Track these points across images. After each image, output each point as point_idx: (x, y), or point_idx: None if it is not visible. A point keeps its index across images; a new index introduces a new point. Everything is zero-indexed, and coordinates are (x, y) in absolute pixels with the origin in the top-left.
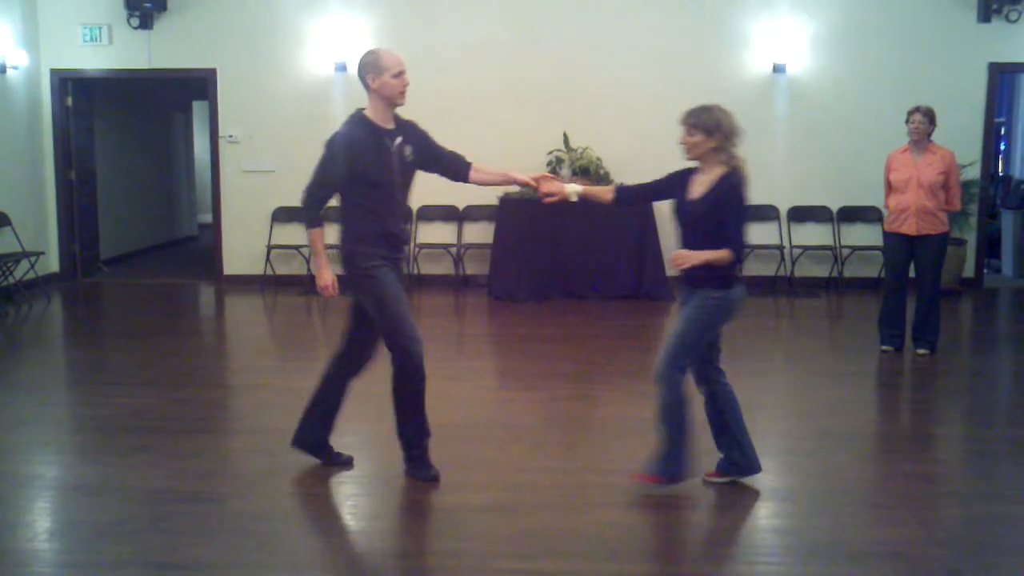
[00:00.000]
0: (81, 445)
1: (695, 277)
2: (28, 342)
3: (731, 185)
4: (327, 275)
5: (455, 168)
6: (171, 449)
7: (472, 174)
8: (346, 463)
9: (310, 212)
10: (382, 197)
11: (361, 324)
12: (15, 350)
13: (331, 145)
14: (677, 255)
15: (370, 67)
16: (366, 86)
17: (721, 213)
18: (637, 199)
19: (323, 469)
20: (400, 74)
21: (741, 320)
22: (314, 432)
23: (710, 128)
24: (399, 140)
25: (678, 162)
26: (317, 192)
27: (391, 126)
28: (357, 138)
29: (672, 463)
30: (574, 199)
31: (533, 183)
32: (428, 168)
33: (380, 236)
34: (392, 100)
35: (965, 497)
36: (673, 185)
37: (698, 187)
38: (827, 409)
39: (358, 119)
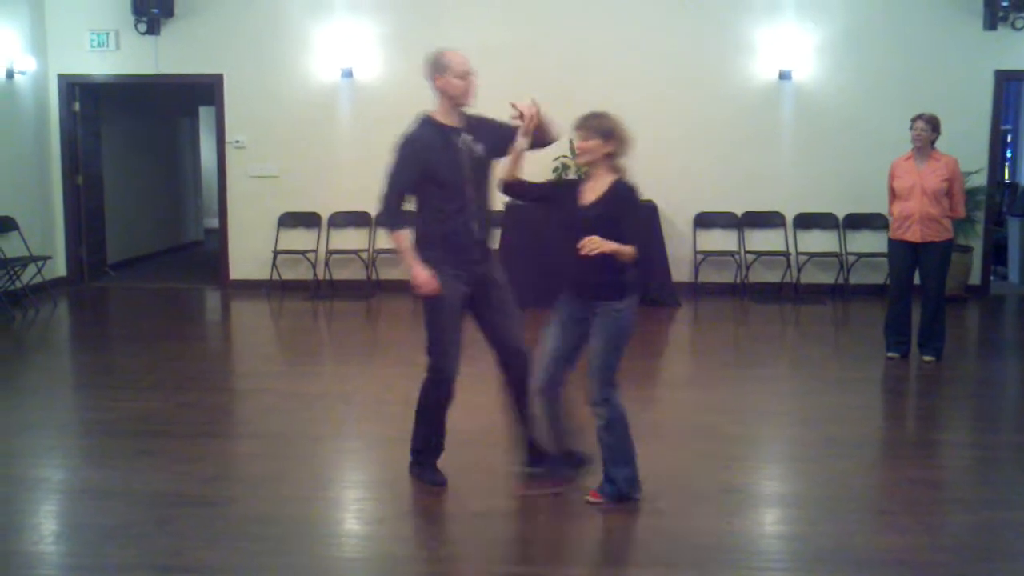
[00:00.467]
0: (87, 449)
1: (594, 287)
2: (35, 346)
3: (626, 189)
4: (421, 273)
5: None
6: (177, 453)
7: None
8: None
9: (389, 217)
10: (450, 197)
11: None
12: (22, 354)
13: (398, 147)
14: (588, 240)
15: (435, 67)
16: (432, 85)
17: (619, 216)
18: (523, 194)
19: (327, 472)
20: (465, 75)
21: (746, 327)
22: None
23: (605, 133)
24: (468, 138)
25: (683, 166)
26: (390, 197)
27: (458, 124)
28: (422, 138)
29: (627, 478)
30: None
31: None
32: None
33: (445, 237)
34: (456, 100)
35: (971, 503)
36: (560, 194)
37: (589, 194)
38: (833, 416)
39: (423, 119)
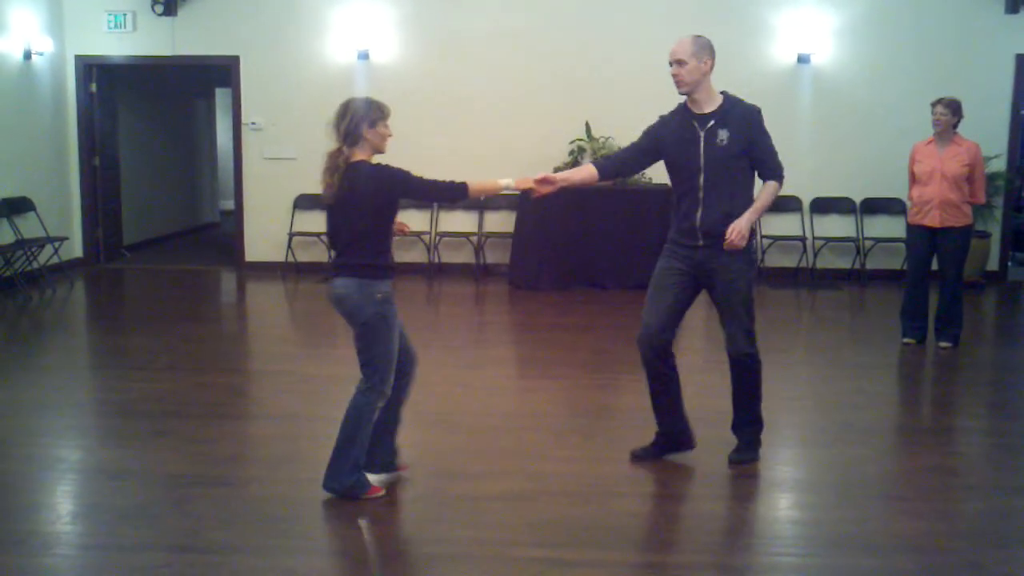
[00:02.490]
0: (103, 429)
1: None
2: (51, 326)
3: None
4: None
5: None
6: (192, 434)
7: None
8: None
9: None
10: (679, 180)
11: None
12: (39, 334)
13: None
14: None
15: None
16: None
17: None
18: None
19: None
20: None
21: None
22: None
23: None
24: (711, 124)
25: None
26: None
27: (706, 110)
28: (665, 122)
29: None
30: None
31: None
32: None
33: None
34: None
35: (986, 490)
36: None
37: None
38: (848, 401)
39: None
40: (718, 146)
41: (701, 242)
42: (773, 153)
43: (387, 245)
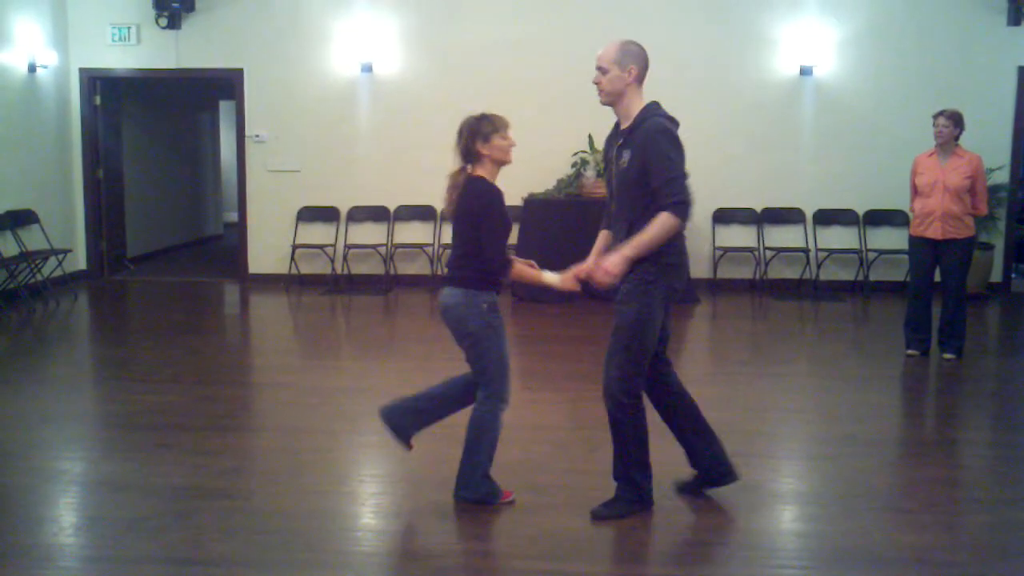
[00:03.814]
0: (106, 441)
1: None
2: (55, 339)
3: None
4: None
5: None
6: (195, 446)
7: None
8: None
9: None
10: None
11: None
12: (42, 346)
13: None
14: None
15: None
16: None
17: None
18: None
19: (344, 466)
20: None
21: (765, 323)
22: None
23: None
24: (620, 142)
25: (703, 162)
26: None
27: (624, 126)
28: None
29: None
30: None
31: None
32: None
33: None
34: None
35: (990, 502)
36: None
37: None
38: (852, 413)
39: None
40: (621, 169)
41: None
42: (668, 179)
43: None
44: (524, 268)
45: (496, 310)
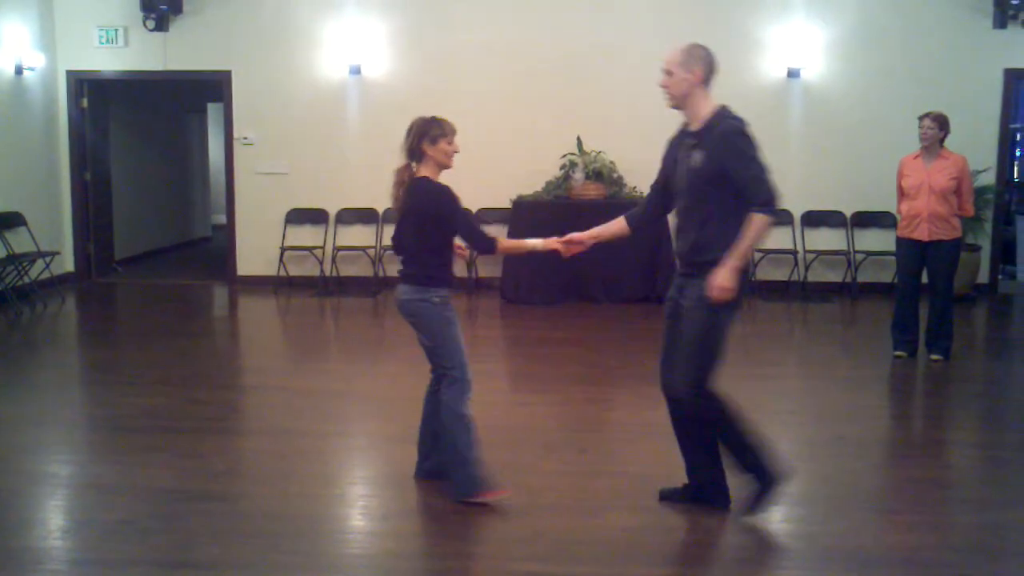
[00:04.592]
0: (95, 444)
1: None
2: (42, 342)
3: None
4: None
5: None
6: (184, 449)
7: None
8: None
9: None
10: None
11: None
12: (30, 349)
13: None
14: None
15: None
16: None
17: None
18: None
19: (334, 469)
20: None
21: (754, 325)
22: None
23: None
24: (692, 143)
25: None
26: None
27: (693, 128)
28: (669, 142)
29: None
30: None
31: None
32: None
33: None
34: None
35: (979, 503)
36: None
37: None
38: (840, 414)
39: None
40: (692, 169)
41: (680, 270)
42: (754, 179)
43: (446, 258)
44: (509, 241)
45: (448, 304)
